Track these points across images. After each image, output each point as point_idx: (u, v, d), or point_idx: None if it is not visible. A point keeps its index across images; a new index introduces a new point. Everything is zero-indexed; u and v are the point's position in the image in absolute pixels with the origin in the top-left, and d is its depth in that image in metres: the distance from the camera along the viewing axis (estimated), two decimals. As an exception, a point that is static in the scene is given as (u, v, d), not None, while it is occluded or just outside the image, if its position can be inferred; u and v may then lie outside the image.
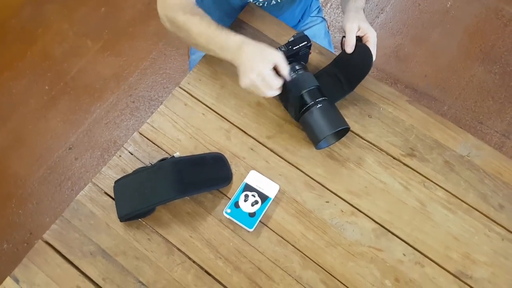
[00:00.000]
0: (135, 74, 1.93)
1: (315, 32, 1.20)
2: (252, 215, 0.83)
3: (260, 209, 0.84)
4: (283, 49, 0.87)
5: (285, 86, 0.86)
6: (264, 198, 0.84)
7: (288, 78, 0.85)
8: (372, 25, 0.91)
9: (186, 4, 0.89)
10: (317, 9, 1.25)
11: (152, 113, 1.84)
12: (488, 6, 2.01)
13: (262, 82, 0.81)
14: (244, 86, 0.84)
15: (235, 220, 0.83)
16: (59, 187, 1.72)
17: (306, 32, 1.18)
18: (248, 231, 0.83)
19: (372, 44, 0.87)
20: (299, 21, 1.21)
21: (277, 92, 0.85)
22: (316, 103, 0.85)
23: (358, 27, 0.87)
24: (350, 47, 0.88)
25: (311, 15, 1.23)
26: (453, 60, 1.90)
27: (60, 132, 1.82)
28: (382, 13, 2.01)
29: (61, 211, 1.67)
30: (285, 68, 0.83)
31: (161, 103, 1.85)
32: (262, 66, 0.80)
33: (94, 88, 1.89)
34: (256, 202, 0.84)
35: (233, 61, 0.85)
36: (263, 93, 0.83)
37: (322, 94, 0.86)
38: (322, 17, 1.26)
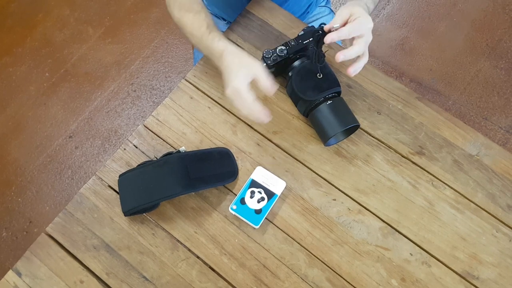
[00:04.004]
0: (136, 62, 1.90)
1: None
2: (258, 212, 0.82)
3: (266, 206, 0.82)
4: (293, 43, 0.85)
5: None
6: (270, 194, 0.83)
7: (270, 91, 0.73)
8: (378, 17, 0.82)
9: None
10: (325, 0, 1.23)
11: (153, 102, 1.85)
12: (496, 0, 1.99)
13: (238, 98, 0.73)
14: (227, 97, 0.76)
15: (240, 217, 0.82)
16: (59, 176, 1.71)
17: (313, 24, 1.16)
18: (254, 228, 0.82)
19: (359, 40, 0.75)
20: (308, 12, 1.18)
21: (256, 113, 0.73)
22: (326, 99, 0.83)
23: (349, 12, 0.74)
24: (328, 37, 0.74)
25: (320, 5, 1.21)
26: (459, 54, 1.88)
27: (60, 120, 1.80)
28: (388, 4, 1.98)
29: (61, 200, 1.68)
30: (265, 81, 0.72)
31: (163, 92, 1.85)
32: (238, 80, 0.72)
33: (95, 76, 1.87)
34: (263, 198, 0.83)
35: (218, 68, 0.80)
36: (240, 108, 0.74)
37: (332, 91, 0.84)
38: (330, 8, 1.23)
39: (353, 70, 0.78)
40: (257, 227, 0.82)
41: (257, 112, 0.73)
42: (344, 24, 0.76)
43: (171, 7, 0.87)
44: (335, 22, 0.76)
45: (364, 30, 0.75)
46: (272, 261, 0.81)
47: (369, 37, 0.76)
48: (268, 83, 0.73)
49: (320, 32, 0.80)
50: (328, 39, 0.74)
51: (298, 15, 1.15)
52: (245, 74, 0.73)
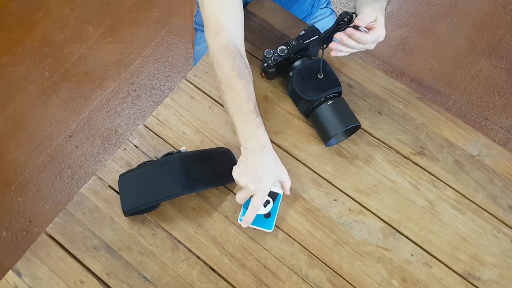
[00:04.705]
0: (136, 62, 1.90)
1: (324, 25, 1.18)
2: (267, 215, 0.82)
3: (274, 208, 0.82)
4: (293, 43, 0.85)
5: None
6: (274, 195, 0.83)
7: (287, 192, 0.81)
8: None
9: (238, 59, 0.79)
10: (326, 1, 1.22)
11: (153, 102, 1.85)
12: (496, 0, 1.98)
13: (254, 196, 0.76)
14: (236, 179, 0.77)
15: (253, 226, 0.81)
16: (59, 175, 1.71)
17: (315, 25, 1.16)
18: (268, 232, 0.82)
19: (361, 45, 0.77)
20: (309, 14, 1.18)
21: (250, 216, 0.77)
22: (327, 99, 0.83)
23: (375, 18, 0.75)
24: (351, 30, 0.75)
25: (321, 6, 1.21)
26: (460, 54, 1.88)
27: (60, 119, 1.79)
28: (388, 4, 1.97)
29: (61, 199, 1.68)
30: (287, 188, 0.81)
31: (163, 92, 1.85)
32: (268, 183, 0.76)
33: (95, 75, 1.87)
34: (268, 201, 0.82)
35: (243, 148, 0.78)
36: (242, 200, 0.77)
37: (333, 91, 0.84)
38: (332, 9, 1.23)
39: (335, 49, 0.78)
40: (270, 231, 0.81)
41: (251, 217, 0.78)
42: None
43: (220, 55, 0.79)
44: (363, 21, 0.74)
45: (376, 42, 0.77)
46: (272, 261, 0.81)
47: (372, 47, 0.79)
48: (287, 190, 0.81)
49: (348, 18, 0.76)
50: (350, 31, 0.74)
51: (301, 18, 1.15)
52: (275, 179, 0.79)
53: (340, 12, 0.80)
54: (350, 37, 0.75)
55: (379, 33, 0.76)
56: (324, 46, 0.81)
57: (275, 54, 0.85)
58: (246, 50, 0.96)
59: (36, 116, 1.80)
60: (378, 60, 1.86)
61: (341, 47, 0.78)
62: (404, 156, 0.89)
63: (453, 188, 0.87)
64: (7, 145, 1.76)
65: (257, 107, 0.79)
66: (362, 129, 0.91)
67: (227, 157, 0.86)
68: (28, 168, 1.72)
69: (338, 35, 0.76)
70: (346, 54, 0.81)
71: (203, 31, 1.12)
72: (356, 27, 0.74)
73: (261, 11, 1.00)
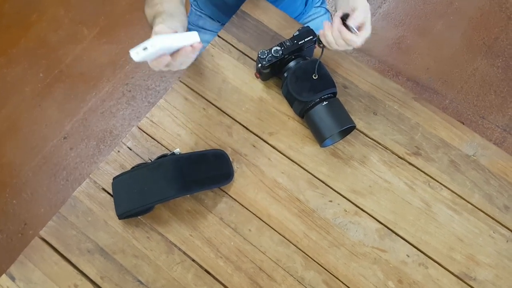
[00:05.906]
0: (131, 63, 1.89)
1: (319, 24, 1.17)
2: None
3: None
4: (288, 43, 0.84)
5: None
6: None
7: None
8: (373, 16, 0.82)
9: None
10: (321, 0, 1.22)
11: (148, 102, 1.84)
12: (492, -2, 1.98)
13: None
14: None
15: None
16: (53, 177, 1.70)
17: (309, 24, 1.15)
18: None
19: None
20: (303, 13, 1.17)
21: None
22: (322, 100, 0.82)
23: (364, 18, 0.76)
24: (342, 32, 0.76)
25: (315, 5, 1.20)
26: (456, 53, 1.88)
27: (55, 121, 1.78)
28: (384, 3, 1.97)
29: (56, 202, 1.67)
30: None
31: (158, 92, 1.84)
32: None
33: (90, 76, 1.85)
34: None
35: None
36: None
37: (328, 91, 0.84)
38: (326, 8, 1.22)
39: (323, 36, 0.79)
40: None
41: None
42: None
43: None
44: (355, 22, 0.75)
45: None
46: (268, 263, 0.81)
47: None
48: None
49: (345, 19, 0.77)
50: (339, 28, 0.75)
51: (294, 17, 1.15)
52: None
53: (335, 12, 0.80)
54: (340, 34, 0.75)
55: (364, 35, 0.76)
56: (322, 45, 0.81)
57: (270, 55, 0.84)
58: (240, 51, 0.96)
59: (31, 118, 1.79)
60: (374, 59, 1.85)
61: (331, 44, 0.78)
62: (400, 157, 0.89)
63: (448, 189, 0.86)
64: (2, 147, 1.74)
65: (156, 15, 0.78)
66: (357, 129, 0.90)
67: (221, 159, 0.86)
68: (23, 170, 1.71)
69: (327, 28, 0.76)
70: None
71: (197, 30, 1.12)
72: (347, 26, 0.75)
73: (255, 11, 1.00)
